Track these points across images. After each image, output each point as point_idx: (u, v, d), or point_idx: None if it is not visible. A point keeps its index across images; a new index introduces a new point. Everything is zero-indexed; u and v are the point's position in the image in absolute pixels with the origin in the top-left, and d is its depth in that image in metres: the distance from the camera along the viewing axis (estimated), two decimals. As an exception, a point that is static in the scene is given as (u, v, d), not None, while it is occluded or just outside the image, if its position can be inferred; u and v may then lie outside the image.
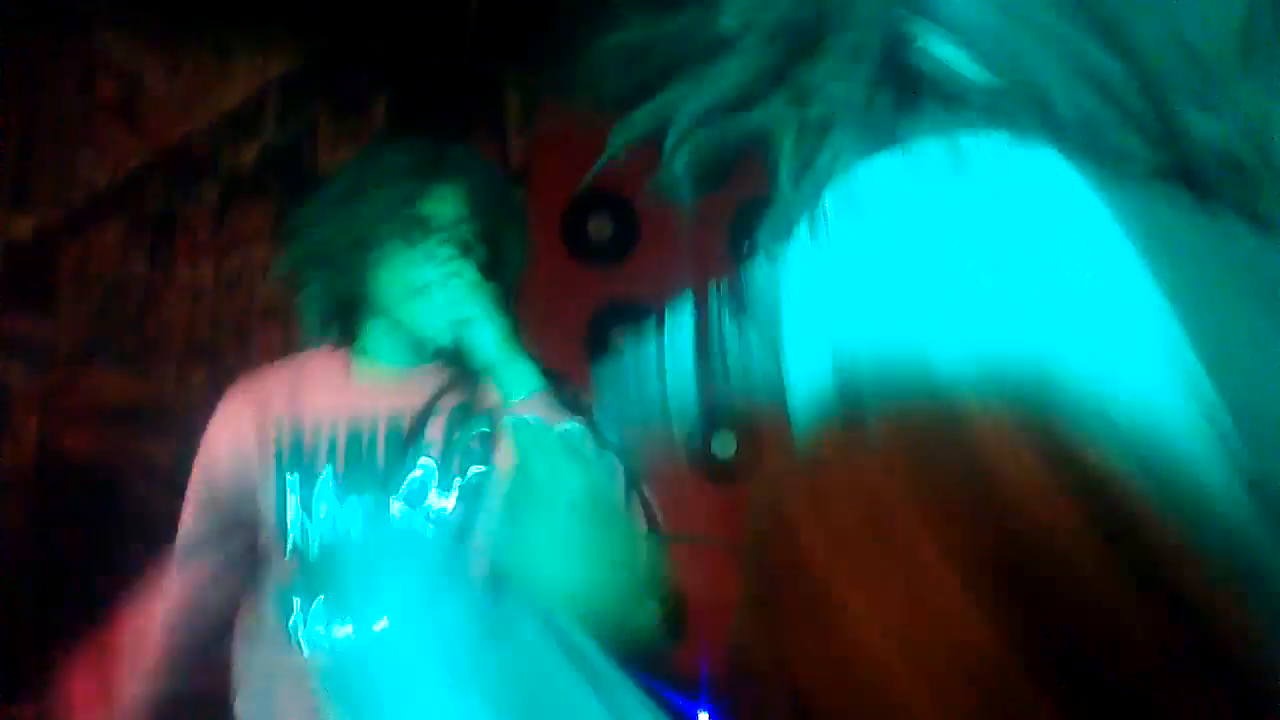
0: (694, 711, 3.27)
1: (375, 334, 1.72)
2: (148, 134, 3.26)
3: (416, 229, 1.64)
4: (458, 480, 1.69)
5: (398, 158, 1.70)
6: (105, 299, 3.22)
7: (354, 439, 1.69)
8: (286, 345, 3.29)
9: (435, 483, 1.69)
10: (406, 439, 1.68)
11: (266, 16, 3.10)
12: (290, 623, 1.65)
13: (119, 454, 3.14)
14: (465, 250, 1.65)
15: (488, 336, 1.62)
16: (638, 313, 3.55)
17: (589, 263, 3.55)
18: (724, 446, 3.62)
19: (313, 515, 1.66)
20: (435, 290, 1.62)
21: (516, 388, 1.63)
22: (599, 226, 3.56)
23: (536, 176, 3.49)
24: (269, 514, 1.69)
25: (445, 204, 1.67)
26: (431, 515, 1.68)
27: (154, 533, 3.05)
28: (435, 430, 1.70)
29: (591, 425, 1.52)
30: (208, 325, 3.29)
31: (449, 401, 1.71)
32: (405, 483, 1.68)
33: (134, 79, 3.24)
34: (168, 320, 3.26)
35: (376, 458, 1.67)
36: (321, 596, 1.65)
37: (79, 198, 3.21)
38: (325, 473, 1.66)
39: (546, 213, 3.50)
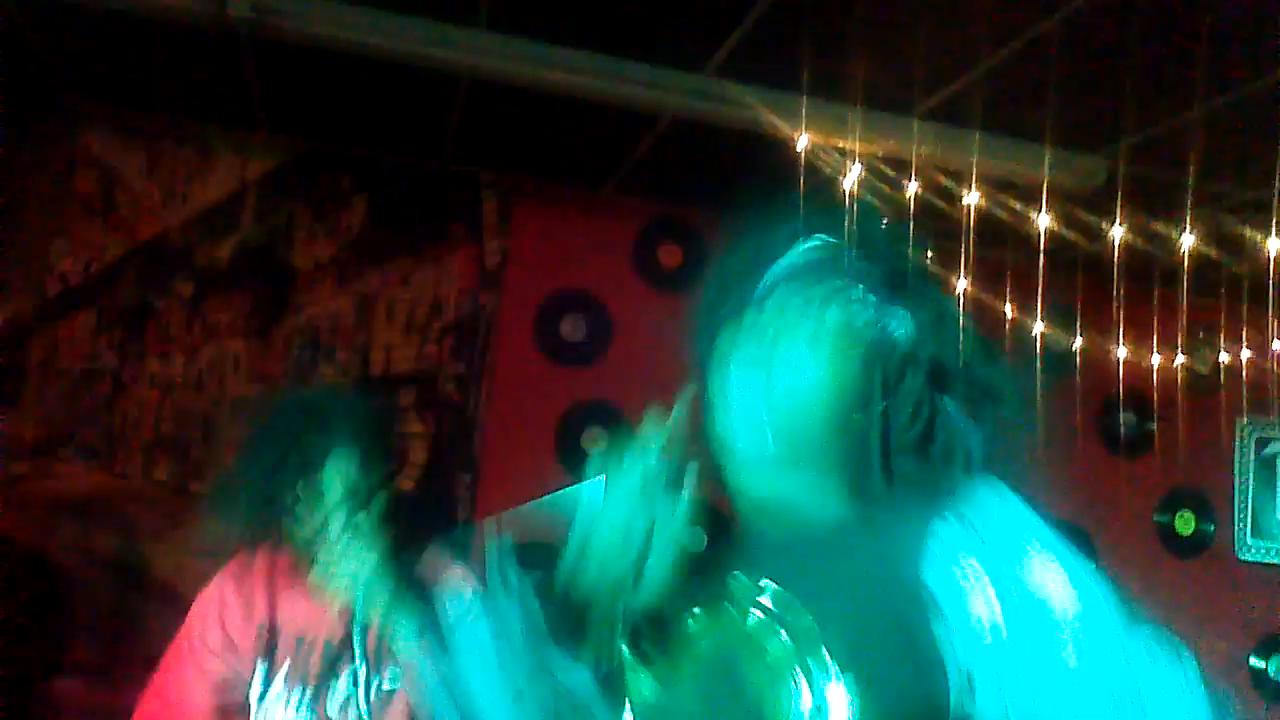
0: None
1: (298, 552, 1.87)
2: (124, 228, 3.27)
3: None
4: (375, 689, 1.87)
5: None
6: (73, 391, 3.19)
7: (299, 645, 1.86)
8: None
9: (359, 692, 1.85)
10: (339, 650, 1.85)
11: (248, 116, 3.14)
12: None
13: (73, 546, 3.09)
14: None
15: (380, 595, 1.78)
16: (609, 413, 3.57)
17: (561, 362, 3.57)
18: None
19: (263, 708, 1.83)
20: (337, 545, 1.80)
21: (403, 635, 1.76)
22: (572, 326, 3.59)
23: (511, 276, 3.53)
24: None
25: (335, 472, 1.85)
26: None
27: (100, 624, 3.01)
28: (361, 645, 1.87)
29: None
30: (174, 419, 3.27)
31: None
32: (332, 690, 1.84)
33: (112, 173, 3.27)
34: (134, 413, 3.24)
35: (311, 665, 1.84)
36: None
37: (52, 289, 3.21)
38: (281, 672, 1.84)
39: (520, 312, 3.54)
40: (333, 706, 1.81)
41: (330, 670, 1.83)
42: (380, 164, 3.43)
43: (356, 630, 1.83)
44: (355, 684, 1.83)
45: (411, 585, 1.80)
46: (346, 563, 1.78)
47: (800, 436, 1.13)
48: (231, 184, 3.35)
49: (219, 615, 1.86)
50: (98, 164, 3.26)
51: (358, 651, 1.83)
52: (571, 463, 3.53)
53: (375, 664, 1.84)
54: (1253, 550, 4.05)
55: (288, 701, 1.81)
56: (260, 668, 1.83)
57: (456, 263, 3.48)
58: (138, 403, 3.25)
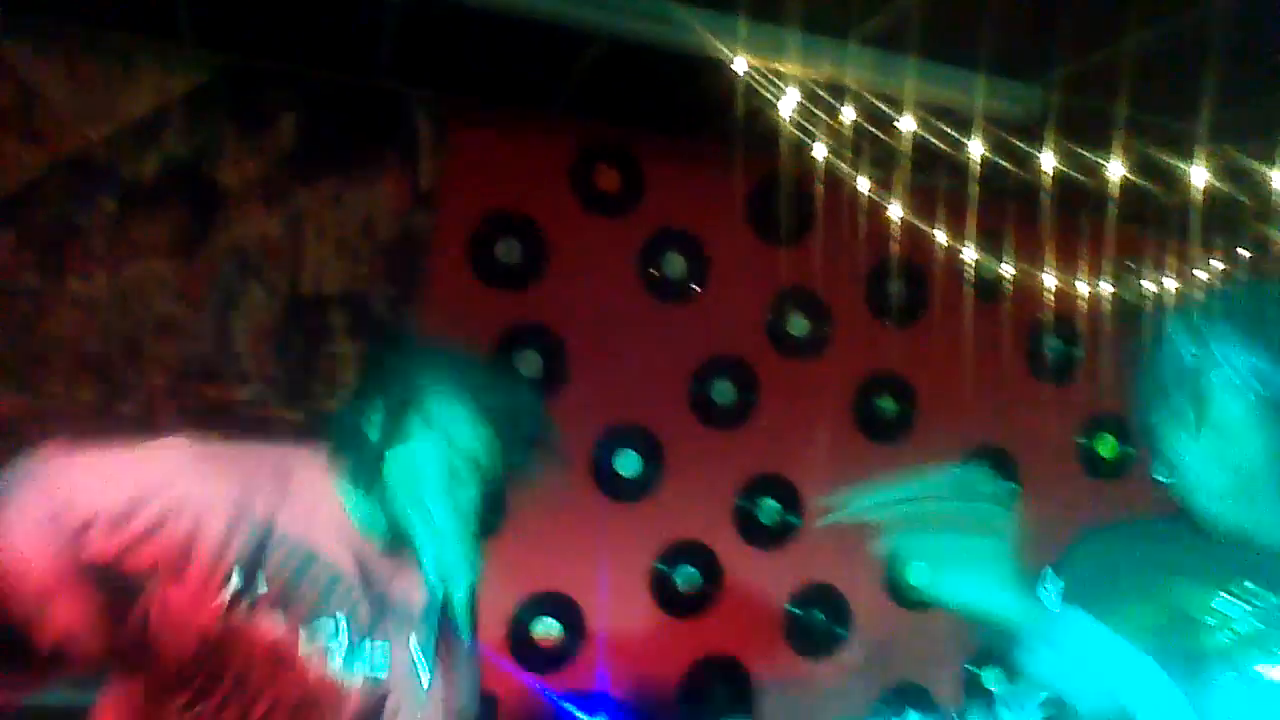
0: (592, 716, 3.30)
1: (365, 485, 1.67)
2: (43, 142, 3.16)
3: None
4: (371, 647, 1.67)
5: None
6: (-4, 311, 3.11)
7: (302, 568, 1.61)
8: (182, 362, 3.23)
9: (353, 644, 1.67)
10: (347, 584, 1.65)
11: (173, 29, 3.04)
12: None
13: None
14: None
15: (460, 595, 1.63)
16: (544, 336, 3.57)
17: (496, 285, 3.55)
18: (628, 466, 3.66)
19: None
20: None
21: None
22: (507, 249, 3.56)
23: (446, 198, 3.48)
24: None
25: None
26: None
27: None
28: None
29: None
30: (99, 339, 3.20)
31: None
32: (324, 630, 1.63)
33: (30, 85, 3.15)
34: (57, 333, 3.16)
35: (311, 592, 1.61)
36: None
37: (-32, 205, 3.10)
38: (256, 588, 1.57)
39: (454, 234, 3.50)
40: (314, 640, 1.60)
41: (324, 601, 1.60)
42: (310, 81, 3.34)
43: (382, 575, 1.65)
44: (350, 629, 1.63)
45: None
46: (407, 501, 1.61)
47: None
48: (156, 99, 3.24)
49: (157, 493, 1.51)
50: (14, 76, 3.13)
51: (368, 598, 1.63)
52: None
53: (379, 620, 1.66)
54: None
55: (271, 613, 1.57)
56: (235, 572, 1.53)
57: (389, 183, 3.42)
58: (60, 322, 3.17)
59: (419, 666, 1.67)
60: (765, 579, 3.81)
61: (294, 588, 1.58)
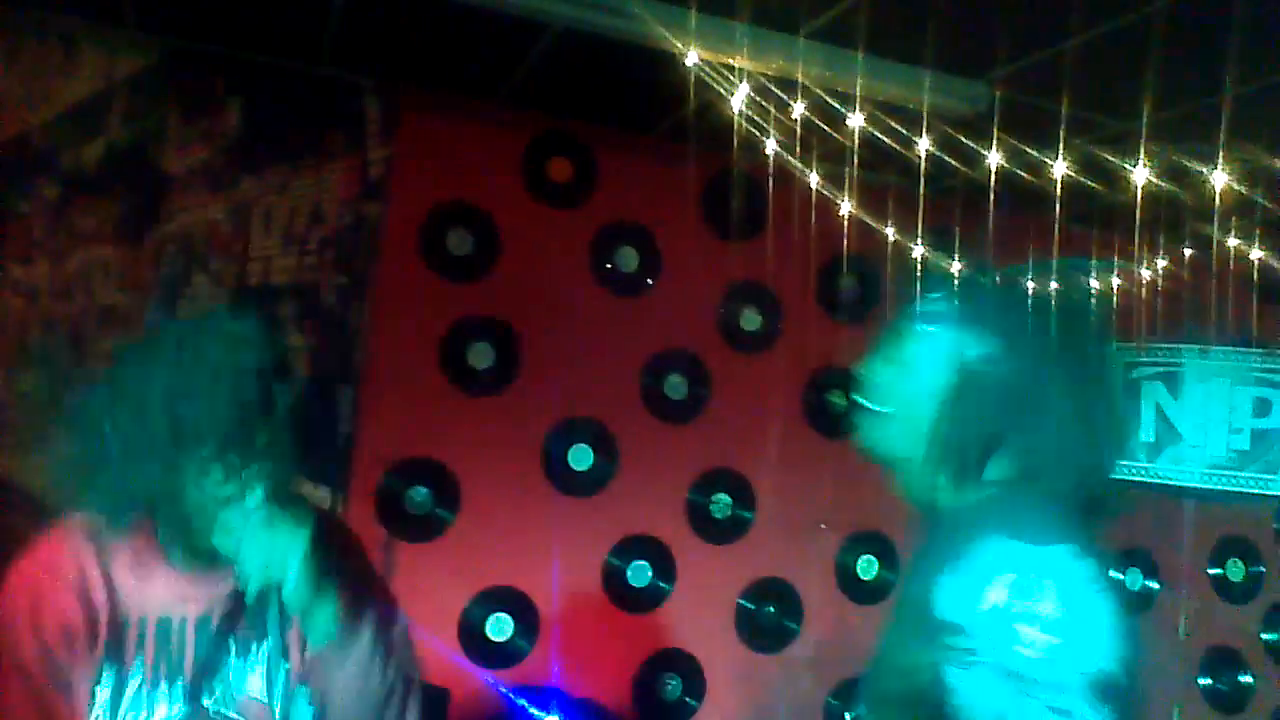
0: (545, 712, 3.30)
1: (170, 528, 1.60)
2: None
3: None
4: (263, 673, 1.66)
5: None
6: (-71, 297, 3.05)
7: (163, 629, 1.59)
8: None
9: (247, 676, 1.66)
10: (217, 632, 1.62)
11: (116, 12, 2.99)
12: None
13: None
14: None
15: (301, 583, 1.54)
16: (495, 328, 3.55)
17: (447, 276, 3.52)
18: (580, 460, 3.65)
19: (119, 714, 1.57)
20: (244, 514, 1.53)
21: (316, 635, 1.59)
22: (458, 240, 3.54)
23: (396, 188, 3.45)
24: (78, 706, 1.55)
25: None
26: (244, 708, 1.64)
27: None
28: (242, 627, 1.65)
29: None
30: (40, 328, 3.14)
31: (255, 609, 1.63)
32: (217, 675, 1.63)
33: (-32, 67, 3.09)
34: (-3, 321, 3.11)
35: (186, 650, 1.60)
36: None
37: (-97, 189, 3.04)
38: (135, 666, 1.57)
39: (405, 225, 3.47)
40: (218, 697, 1.60)
41: (214, 655, 1.60)
42: (257, 66, 3.30)
43: (271, 607, 1.57)
44: (260, 664, 1.62)
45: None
46: (252, 529, 1.52)
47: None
48: (98, 83, 3.18)
49: (30, 619, 1.52)
50: (-50, 56, 3.08)
51: (270, 629, 1.58)
52: (457, 377, 3.51)
53: (285, 646, 1.62)
54: (1116, 471, 4.24)
55: (154, 699, 1.56)
56: (106, 669, 1.55)
57: (338, 171, 3.39)
58: (0, 310, 3.12)
59: (271, 681, 1.63)
60: (718, 573, 3.82)
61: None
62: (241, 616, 1.64)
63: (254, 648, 1.67)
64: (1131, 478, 4.23)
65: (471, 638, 3.50)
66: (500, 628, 3.52)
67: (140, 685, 1.58)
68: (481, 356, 3.55)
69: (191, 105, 3.26)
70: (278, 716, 1.61)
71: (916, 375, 1.47)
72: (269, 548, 1.51)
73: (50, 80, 3.15)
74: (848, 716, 3.91)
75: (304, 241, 3.36)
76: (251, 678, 1.66)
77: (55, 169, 3.16)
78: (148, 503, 1.57)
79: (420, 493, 3.46)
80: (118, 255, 3.21)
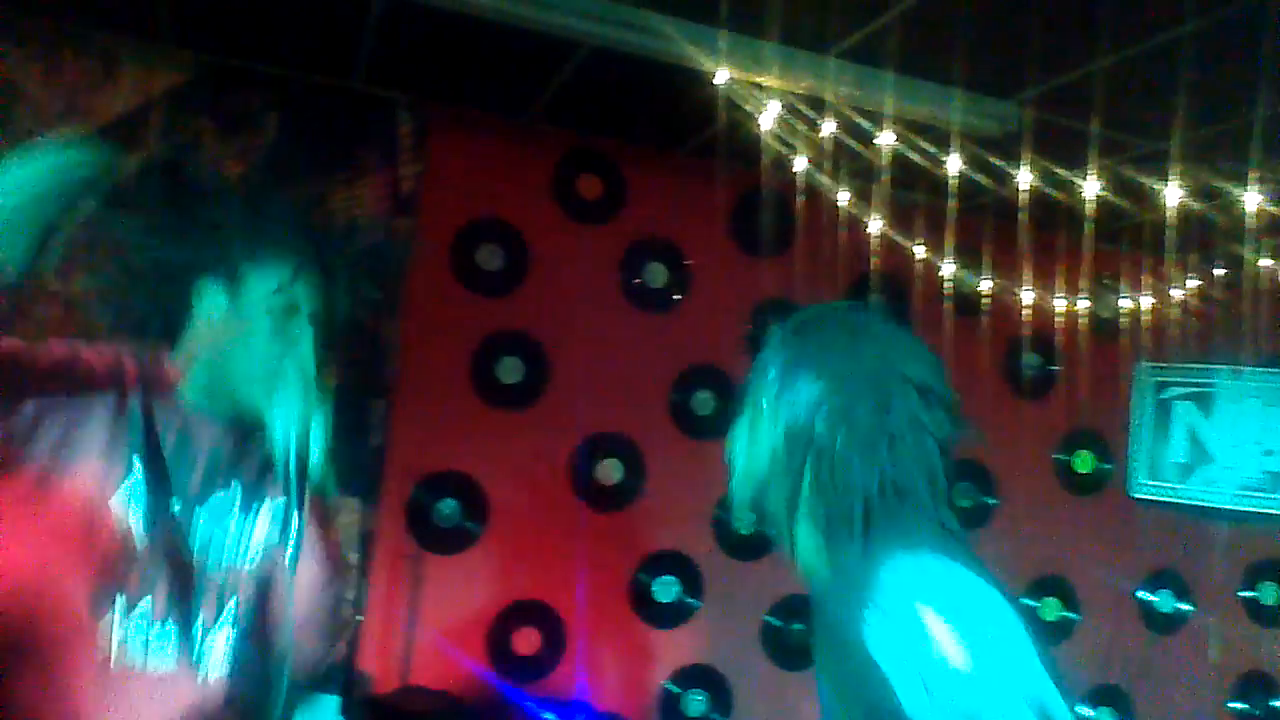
0: (570, 721, 3.31)
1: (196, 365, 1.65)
2: (23, 140, 3.15)
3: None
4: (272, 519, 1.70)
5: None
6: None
7: (181, 444, 1.62)
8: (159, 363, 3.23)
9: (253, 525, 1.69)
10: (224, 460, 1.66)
11: (154, 28, 3.04)
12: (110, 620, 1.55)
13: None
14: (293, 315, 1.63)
15: (316, 449, 1.59)
16: (525, 343, 3.57)
17: (478, 291, 3.55)
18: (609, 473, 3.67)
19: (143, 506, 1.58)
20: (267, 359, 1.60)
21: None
22: (489, 255, 3.57)
23: (427, 203, 3.48)
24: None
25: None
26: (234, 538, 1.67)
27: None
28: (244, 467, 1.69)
29: None
30: (81, 339, 3.19)
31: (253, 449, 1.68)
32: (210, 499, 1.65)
33: (9, 83, 3.15)
34: (37, 336, 3.15)
35: (193, 469, 1.63)
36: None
37: (-54, 202, 3.09)
38: (146, 471, 1.59)
39: (436, 240, 3.50)
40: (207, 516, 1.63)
41: (214, 481, 1.63)
42: (292, 83, 3.34)
43: (279, 449, 1.58)
44: (268, 514, 1.67)
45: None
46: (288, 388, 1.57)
47: None
48: (136, 98, 3.24)
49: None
50: (-6, 73, 3.14)
51: (291, 483, 1.58)
52: (486, 392, 3.54)
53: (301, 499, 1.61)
54: (1146, 489, 4.21)
55: (151, 514, 1.58)
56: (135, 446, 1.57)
57: (370, 187, 3.42)
58: (39, 324, 3.17)
59: (285, 539, 1.64)
60: (745, 590, 3.82)
61: None
62: (256, 467, 1.68)
63: (263, 497, 1.70)
64: (1163, 498, 4.20)
65: (498, 651, 3.51)
66: (527, 641, 3.54)
67: (142, 499, 1.58)
68: (511, 371, 3.57)
69: (228, 120, 3.31)
70: (289, 559, 1.61)
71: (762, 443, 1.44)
72: (300, 409, 1.57)
73: (90, 95, 3.21)
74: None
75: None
76: (258, 527, 1.69)
77: (94, 183, 3.21)
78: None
79: (449, 505, 3.48)
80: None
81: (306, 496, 1.61)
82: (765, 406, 1.43)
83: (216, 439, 1.65)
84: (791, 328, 1.50)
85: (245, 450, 1.68)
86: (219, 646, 1.64)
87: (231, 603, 1.66)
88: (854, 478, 1.33)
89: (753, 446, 1.45)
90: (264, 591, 1.70)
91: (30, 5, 3.04)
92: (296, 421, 1.57)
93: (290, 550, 1.59)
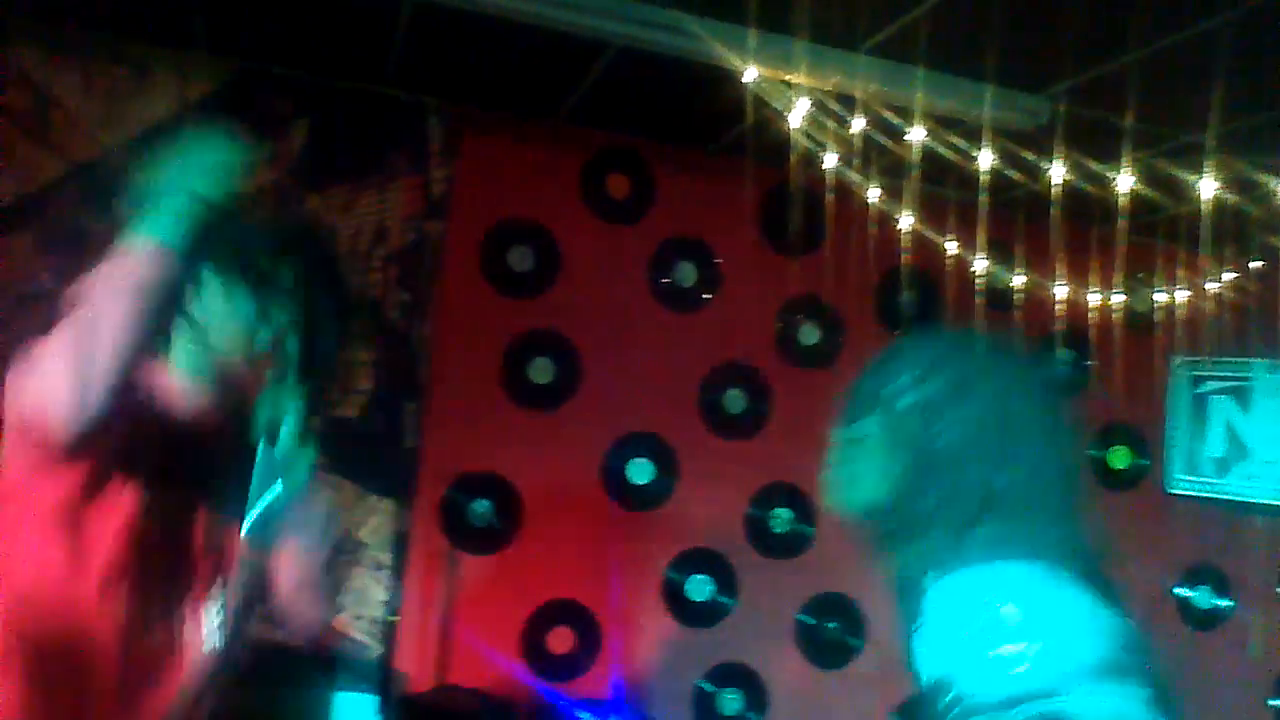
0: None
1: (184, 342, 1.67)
2: (60, 148, 3.20)
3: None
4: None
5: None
6: (14, 314, 3.15)
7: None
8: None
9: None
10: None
11: (187, 36, 3.07)
12: None
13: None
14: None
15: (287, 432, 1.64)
16: (556, 343, 3.58)
17: (508, 292, 3.57)
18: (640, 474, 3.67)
19: None
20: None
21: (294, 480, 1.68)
22: (519, 256, 3.58)
23: (457, 206, 3.50)
24: None
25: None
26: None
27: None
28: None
29: None
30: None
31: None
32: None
33: (46, 91, 3.19)
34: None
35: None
36: None
37: (-14, 211, 3.15)
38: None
39: (466, 242, 3.52)
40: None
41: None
42: (322, 88, 3.37)
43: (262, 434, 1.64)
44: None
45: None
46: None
47: None
48: (170, 105, 3.28)
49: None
50: (30, 83, 3.18)
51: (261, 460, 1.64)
52: (518, 392, 3.55)
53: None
54: (1183, 484, 4.17)
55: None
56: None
57: (401, 190, 3.45)
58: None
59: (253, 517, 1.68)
60: (778, 588, 3.81)
61: None
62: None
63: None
64: (1201, 494, 4.15)
65: (533, 650, 3.52)
66: (560, 640, 3.55)
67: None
68: (542, 372, 3.58)
69: (260, 126, 3.34)
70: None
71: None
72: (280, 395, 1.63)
73: (124, 103, 3.25)
74: (911, 733, 3.87)
75: (368, 259, 3.42)
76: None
77: (129, 189, 3.24)
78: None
79: (482, 505, 3.50)
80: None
81: (288, 472, 1.66)
82: (905, 429, 1.42)
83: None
84: (931, 357, 1.50)
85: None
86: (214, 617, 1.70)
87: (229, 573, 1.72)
88: (975, 483, 1.34)
89: (888, 464, 1.44)
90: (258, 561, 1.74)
91: (66, 15, 3.08)
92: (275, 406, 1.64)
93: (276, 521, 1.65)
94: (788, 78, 2.67)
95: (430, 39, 2.95)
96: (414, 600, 3.40)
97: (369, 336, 3.39)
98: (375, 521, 3.37)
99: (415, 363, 3.44)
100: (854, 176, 2.88)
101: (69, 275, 3.14)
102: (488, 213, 3.56)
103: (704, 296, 3.77)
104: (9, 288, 3.14)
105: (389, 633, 3.37)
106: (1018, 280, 3.27)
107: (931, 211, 3.06)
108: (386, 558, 3.38)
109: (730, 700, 3.73)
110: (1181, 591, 4.21)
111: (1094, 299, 3.30)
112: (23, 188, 3.17)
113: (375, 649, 3.35)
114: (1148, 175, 2.58)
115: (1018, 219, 3.27)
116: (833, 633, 3.84)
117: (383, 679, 3.27)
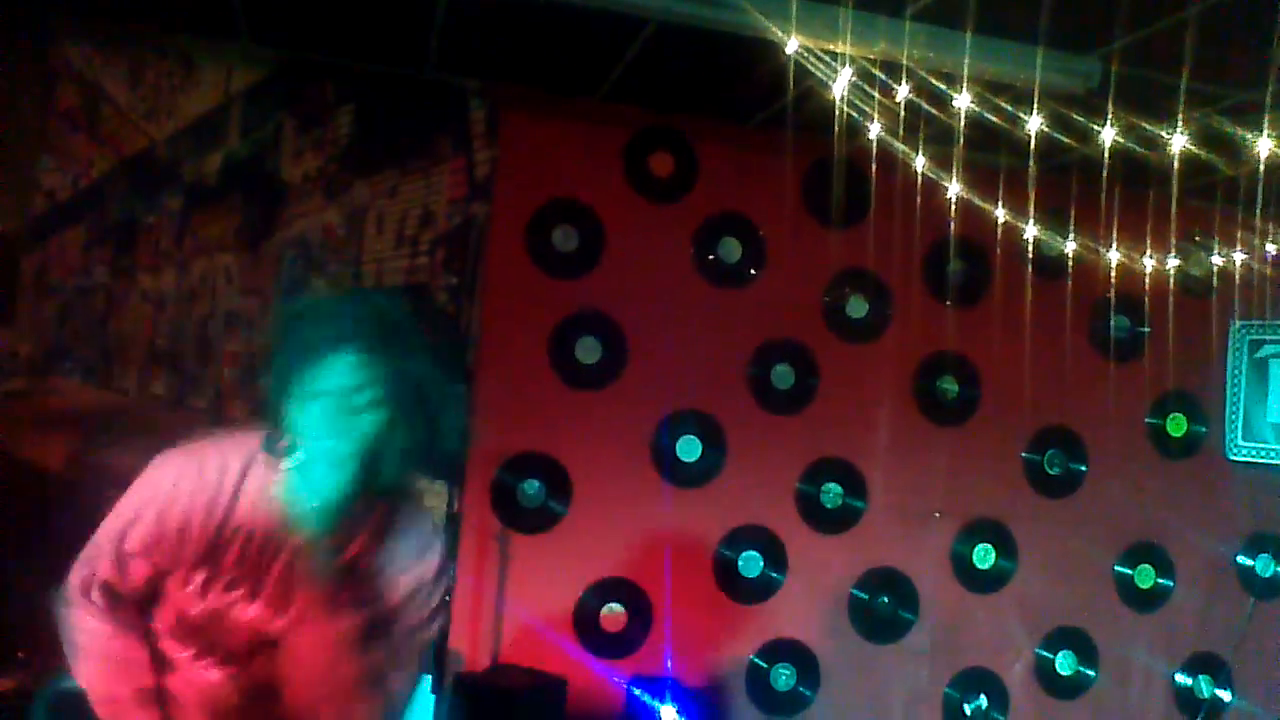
0: (661, 702, 3.33)
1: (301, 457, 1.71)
2: (109, 142, 3.25)
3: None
4: None
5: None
6: (66, 307, 3.21)
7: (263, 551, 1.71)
8: (250, 355, 3.31)
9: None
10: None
11: (229, 27, 3.10)
12: None
13: (78, 461, 3.13)
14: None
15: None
16: (602, 323, 3.58)
17: (554, 273, 3.56)
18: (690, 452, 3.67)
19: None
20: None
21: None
22: (564, 236, 3.58)
23: (501, 188, 3.50)
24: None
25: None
26: None
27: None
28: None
29: None
30: (168, 333, 3.28)
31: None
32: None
33: (94, 87, 3.23)
34: (129, 329, 3.25)
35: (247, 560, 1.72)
36: None
37: (39, 206, 3.19)
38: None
39: (511, 223, 3.52)
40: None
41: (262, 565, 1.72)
42: (365, 74, 3.38)
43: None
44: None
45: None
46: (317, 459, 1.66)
47: None
48: (217, 96, 3.31)
49: (158, 497, 1.68)
50: (79, 78, 3.22)
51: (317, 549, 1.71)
52: (566, 372, 3.56)
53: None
54: (1243, 451, 4.09)
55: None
56: (198, 569, 1.69)
57: (445, 174, 3.46)
58: (131, 318, 3.26)
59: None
60: (830, 563, 3.80)
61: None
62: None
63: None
64: (1261, 459, 4.08)
65: (586, 627, 3.54)
66: (613, 617, 3.56)
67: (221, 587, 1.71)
68: (589, 351, 3.58)
69: (305, 114, 3.36)
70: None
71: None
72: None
73: (171, 96, 3.28)
74: (966, 708, 3.85)
75: (415, 243, 3.44)
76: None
77: (178, 181, 3.29)
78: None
79: (533, 486, 3.51)
80: (239, 262, 3.33)
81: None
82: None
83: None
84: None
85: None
86: None
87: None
88: None
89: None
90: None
91: (113, 11, 3.11)
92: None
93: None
94: (831, 47, 2.63)
95: (469, 21, 2.95)
96: (468, 581, 3.43)
97: (417, 321, 3.40)
98: (427, 504, 3.40)
99: (463, 345, 3.46)
100: (899, 146, 2.84)
101: (121, 267, 3.22)
102: (532, 194, 3.55)
103: (749, 272, 3.75)
104: (64, 282, 3.20)
105: (443, 613, 3.40)
106: (1070, 247, 3.21)
107: (980, 179, 3.01)
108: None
109: (784, 676, 3.72)
110: (1243, 560, 4.14)
111: (1148, 264, 3.23)
112: (75, 183, 3.22)
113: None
114: (1203, 135, 2.52)
115: (1069, 184, 3.21)
116: (885, 607, 3.82)
117: (438, 658, 3.29)
